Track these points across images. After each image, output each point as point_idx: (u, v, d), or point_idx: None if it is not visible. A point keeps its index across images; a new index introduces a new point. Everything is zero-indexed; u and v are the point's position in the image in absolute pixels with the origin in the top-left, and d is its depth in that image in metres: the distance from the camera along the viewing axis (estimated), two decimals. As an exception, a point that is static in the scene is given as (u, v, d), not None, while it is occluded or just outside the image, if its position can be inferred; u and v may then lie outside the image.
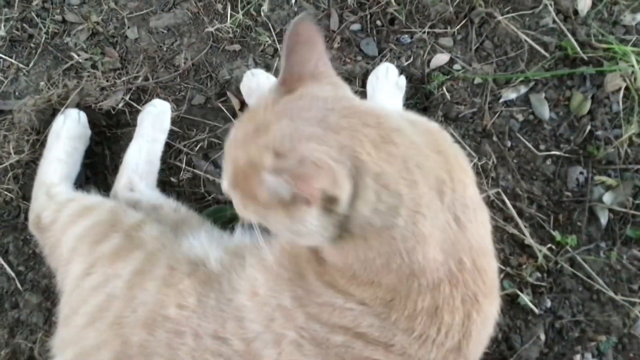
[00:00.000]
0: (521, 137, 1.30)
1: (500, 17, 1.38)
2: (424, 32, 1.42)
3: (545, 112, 1.31)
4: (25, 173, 1.32)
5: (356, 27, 1.46)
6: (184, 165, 1.32)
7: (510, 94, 1.33)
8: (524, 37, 1.36)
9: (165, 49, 1.45)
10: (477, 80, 1.35)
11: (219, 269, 0.91)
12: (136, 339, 0.83)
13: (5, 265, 1.26)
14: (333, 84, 0.81)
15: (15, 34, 1.47)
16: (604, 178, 1.24)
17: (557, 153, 1.28)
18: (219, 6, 1.48)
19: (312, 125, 0.72)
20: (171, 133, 1.34)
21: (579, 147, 1.28)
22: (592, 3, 1.39)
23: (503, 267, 1.19)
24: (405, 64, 1.40)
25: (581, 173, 1.26)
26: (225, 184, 0.81)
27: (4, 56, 1.45)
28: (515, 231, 1.22)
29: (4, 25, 1.47)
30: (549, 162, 1.28)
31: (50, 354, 0.94)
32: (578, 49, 1.32)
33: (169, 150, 1.34)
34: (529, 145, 1.29)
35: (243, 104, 1.36)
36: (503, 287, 1.17)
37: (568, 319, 1.16)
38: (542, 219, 1.24)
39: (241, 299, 0.84)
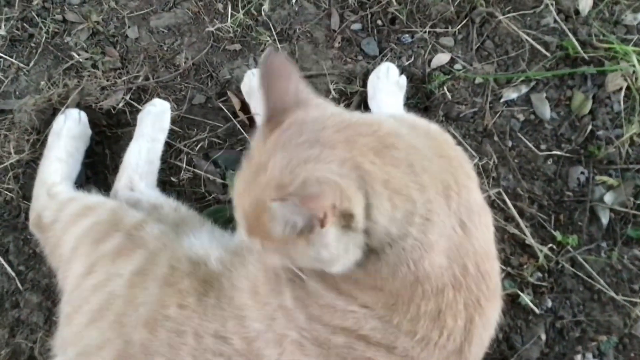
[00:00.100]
0: (522, 137, 1.30)
1: (501, 17, 1.38)
2: (425, 32, 1.42)
3: (546, 111, 1.31)
4: (26, 172, 1.32)
5: (357, 26, 1.46)
6: (184, 165, 1.32)
7: (511, 94, 1.33)
8: (525, 36, 1.36)
9: (165, 49, 1.45)
10: (478, 80, 1.35)
11: (220, 268, 0.91)
12: (138, 338, 0.83)
13: (6, 265, 1.26)
14: (317, 105, 0.80)
15: (16, 34, 1.47)
16: (605, 178, 1.24)
17: (558, 153, 1.28)
18: (220, 6, 1.48)
19: (307, 149, 0.71)
20: (171, 133, 1.34)
21: (580, 146, 1.28)
22: (593, 3, 1.39)
23: (504, 267, 1.19)
24: (406, 63, 1.40)
25: (582, 173, 1.26)
26: (244, 236, 0.79)
27: (4, 56, 1.45)
28: (516, 231, 1.22)
29: (5, 25, 1.47)
30: (550, 161, 1.28)
31: (52, 353, 0.94)
32: (579, 48, 1.32)
33: (170, 150, 1.34)
34: (530, 145, 1.29)
35: (243, 104, 1.36)
36: (504, 287, 1.17)
37: (569, 319, 1.16)
38: (543, 218, 1.24)
39: (242, 297, 0.84)
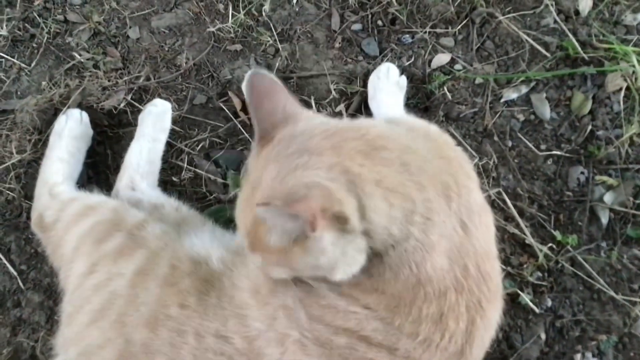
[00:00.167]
0: (522, 137, 1.30)
1: (501, 17, 1.39)
2: (425, 32, 1.43)
3: (546, 112, 1.32)
4: (27, 172, 1.32)
5: (357, 27, 1.46)
6: (185, 165, 1.33)
7: (511, 94, 1.34)
8: (525, 37, 1.37)
9: (166, 49, 1.45)
10: (478, 80, 1.35)
11: (221, 267, 0.91)
12: (139, 338, 0.83)
13: (8, 264, 1.26)
14: (306, 118, 0.82)
15: (17, 34, 1.47)
16: (604, 178, 1.24)
17: (558, 153, 1.28)
18: (221, 6, 1.48)
19: (296, 158, 0.72)
20: (173, 133, 1.34)
21: (580, 147, 1.28)
22: (593, 3, 1.40)
23: (504, 267, 1.19)
24: (407, 63, 1.40)
25: (582, 173, 1.27)
26: (248, 254, 0.81)
27: (6, 56, 1.45)
28: (516, 231, 1.22)
29: (6, 25, 1.47)
30: (549, 161, 1.28)
31: (53, 353, 0.95)
32: (579, 49, 1.32)
33: (171, 150, 1.34)
34: (530, 145, 1.29)
35: (244, 104, 1.36)
36: (504, 287, 1.17)
37: (569, 318, 1.17)
38: (543, 218, 1.24)
39: (243, 296, 0.84)
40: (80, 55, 1.43)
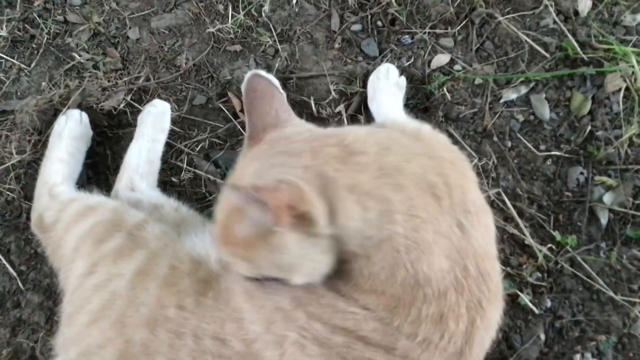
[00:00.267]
0: (521, 138, 1.30)
1: (500, 18, 1.39)
2: (425, 33, 1.43)
3: (545, 112, 1.32)
4: (27, 173, 1.32)
5: (357, 27, 1.46)
6: (185, 166, 1.33)
7: (510, 95, 1.34)
8: (524, 37, 1.37)
9: (166, 50, 1.45)
10: (478, 81, 1.35)
11: (219, 268, 0.91)
12: (139, 338, 0.83)
13: (7, 265, 1.26)
14: (294, 124, 0.86)
15: (17, 35, 1.47)
16: (604, 178, 1.24)
17: (558, 153, 1.28)
18: (220, 7, 1.48)
19: (276, 158, 0.77)
20: (172, 133, 1.35)
21: (579, 147, 1.29)
22: (592, 4, 1.40)
23: (503, 267, 1.20)
24: (406, 64, 1.40)
25: (581, 173, 1.27)
26: (218, 247, 0.83)
27: (5, 57, 1.45)
28: (515, 231, 1.22)
29: (6, 26, 1.47)
30: (549, 162, 1.28)
31: (53, 353, 0.95)
32: (578, 49, 1.32)
33: (170, 151, 1.34)
34: (530, 145, 1.29)
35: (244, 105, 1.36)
36: (504, 287, 1.17)
37: (568, 319, 1.17)
38: (543, 219, 1.24)
39: (238, 300, 0.84)
40: (80, 55, 1.43)
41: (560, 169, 1.28)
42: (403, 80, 1.34)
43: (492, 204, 1.25)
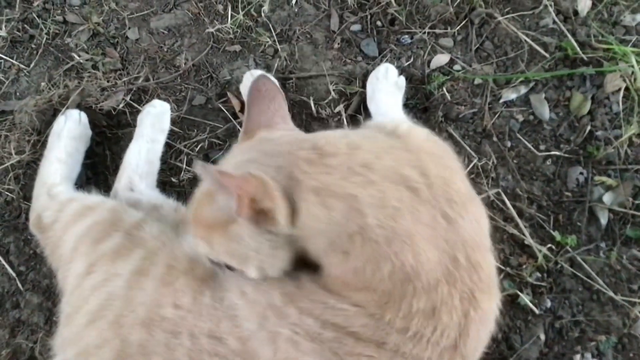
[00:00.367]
0: (521, 138, 1.30)
1: (500, 18, 1.39)
2: (424, 33, 1.43)
3: (545, 112, 1.32)
4: (26, 173, 1.32)
5: (356, 27, 1.46)
6: (184, 166, 1.33)
7: (510, 95, 1.34)
8: (524, 37, 1.37)
9: (165, 50, 1.45)
10: (477, 81, 1.35)
11: (214, 267, 0.92)
12: (135, 339, 0.83)
13: (6, 266, 1.26)
14: (284, 129, 0.91)
15: (16, 35, 1.47)
16: (603, 178, 1.24)
17: (557, 153, 1.28)
18: (220, 7, 1.48)
19: (256, 155, 0.81)
20: (172, 133, 1.34)
21: (579, 147, 1.28)
22: (592, 3, 1.40)
23: (503, 267, 1.19)
24: (406, 64, 1.40)
25: (581, 173, 1.26)
26: (188, 224, 0.89)
27: (5, 57, 1.45)
28: (515, 231, 1.22)
29: (5, 26, 1.47)
30: (549, 162, 1.28)
31: (52, 353, 0.94)
32: (578, 49, 1.32)
33: (170, 151, 1.34)
34: (529, 145, 1.29)
35: (243, 105, 1.36)
36: (503, 288, 1.17)
37: (568, 319, 1.17)
38: (542, 219, 1.24)
39: (232, 297, 0.84)
40: (79, 56, 1.43)
41: (560, 169, 1.28)
42: (402, 80, 1.34)
43: (491, 204, 1.25)
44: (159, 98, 1.37)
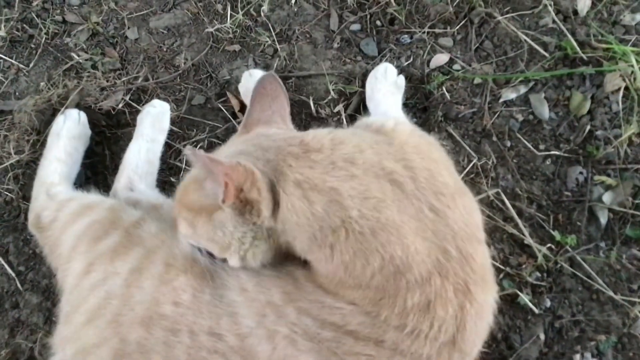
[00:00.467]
0: (521, 137, 1.30)
1: (499, 17, 1.39)
2: (424, 32, 1.42)
3: (544, 112, 1.31)
4: (26, 173, 1.32)
5: (356, 27, 1.46)
6: (184, 166, 1.33)
7: (509, 94, 1.34)
8: (523, 37, 1.36)
9: (165, 49, 1.45)
10: (477, 80, 1.35)
11: (213, 264, 0.91)
12: (134, 337, 0.83)
13: (6, 266, 1.26)
14: (282, 128, 0.93)
15: (16, 35, 1.47)
16: (603, 178, 1.24)
17: (557, 153, 1.28)
18: (219, 6, 1.48)
19: (249, 148, 0.83)
20: (171, 133, 1.34)
21: (579, 147, 1.28)
22: (591, 3, 1.40)
23: (502, 267, 1.19)
24: (405, 64, 1.40)
25: (581, 173, 1.26)
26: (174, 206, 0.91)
27: (4, 57, 1.45)
28: (514, 231, 1.22)
29: (5, 26, 1.47)
30: (548, 162, 1.28)
31: (51, 352, 0.94)
32: (577, 49, 1.32)
33: (169, 151, 1.34)
34: (529, 145, 1.29)
35: (243, 105, 1.36)
36: (503, 287, 1.17)
37: (568, 319, 1.16)
38: (542, 218, 1.24)
39: (231, 294, 0.84)
40: (78, 55, 1.43)
41: (560, 169, 1.27)
42: (402, 80, 1.34)
43: (491, 203, 1.25)
44: (159, 98, 1.37)
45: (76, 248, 0.98)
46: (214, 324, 0.82)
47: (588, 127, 1.28)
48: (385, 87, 1.31)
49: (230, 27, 1.45)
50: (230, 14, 1.46)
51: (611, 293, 1.16)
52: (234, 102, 1.37)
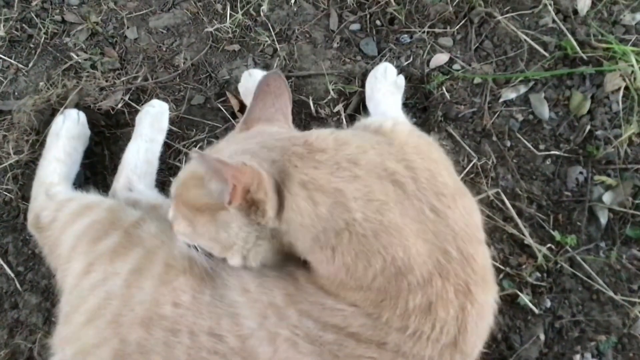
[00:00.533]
0: (521, 137, 1.30)
1: (499, 17, 1.39)
2: (424, 32, 1.42)
3: (544, 111, 1.31)
4: (25, 173, 1.32)
5: (356, 26, 1.46)
6: (183, 166, 1.32)
7: (509, 94, 1.33)
8: (523, 36, 1.36)
9: (164, 49, 1.45)
10: (477, 80, 1.35)
11: (213, 265, 0.91)
12: (134, 338, 0.83)
13: (5, 266, 1.26)
14: (283, 126, 0.92)
15: (15, 34, 1.47)
16: (603, 178, 1.24)
17: (557, 153, 1.28)
18: (219, 6, 1.48)
19: (252, 147, 0.81)
20: (170, 133, 1.34)
21: (579, 146, 1.28)
22: (591, 3, 1.39)
23: (502, 267, 1.19)
24: (405, 63, 1.40)
25: (581, 173, 1.26)
26: (171, 202, 0.89)
27: (3, 56, 1.45)
28: (514, 231, 1.22)
29: (4, 26, 1.47)
30: (548, 161, 1.28)
31: (50, 352, 0.94)
32: (577, 48, 1.32)
33: (169, 151, 1.34)
34: (529, 145, 1.29)
35: (242, 105, 1.36)
36: (503, 287, 1.17)
37: (568, 319, 1.16)
38: (542, 218, 1.24)
39: (233, 295, 0.84)
40: (77, 55, 1.43)
41: (560, 169, 1.27)
42: (401, 80, 1.34)
43: (491, 203, 1.24)
44: (158, 98, 1.37)
45: (76, 248, 0.98)
46: (214, 325, 0.81)
47: (588, 127, 1.28)
48: (385, 86, 1.31)
49: (230, 27, 1.44)
50: (230, 14, 1.46)
51: (611, 293, 1.15)
52: (234, 102, 1.37)
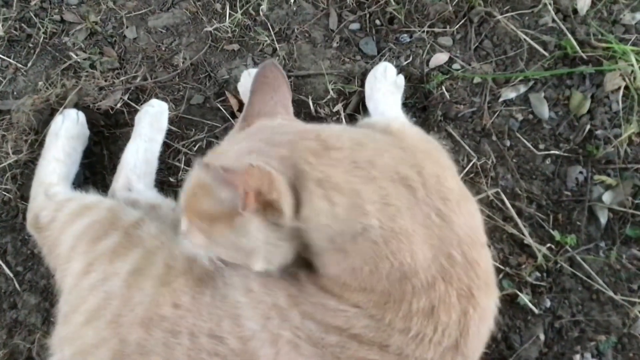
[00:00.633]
0: (520, 137, 1.30)
1: (499, 16, 1.38)
2: (423, 32, 1.42)
3: (544, 111, 1.31)
4: (24, 173, 1.32)
5: (355, 26, 1.46)
6: (182, 165, 1.32)
7: (509, 94, 1.33)
8: (523, 36, 1.36)
9: (163, 49, 1.44)
10: (477, 80, 1.35)
11: (214, 265, 0.91)
12: (134, 338, 0.82)
13: (4, 266, 1.25)
14: (286, 118, 0.89)
15: (14, 34, 1.47)
16: (603, 177, 1.24)
17: (557, 152, 1.28)
18: (218, 5, 1.48)
19: (257, 145, 0.78)
20: (170, 133, 1.34)
21: (579, 146, 1.28)
22: (591, 2, 1.39)
23: (502, 267, 1.19)
24: (405, 63, 1.40)
25: (580, 172, 1.26)
26: (181, 214, 0.85)
27: (2, 56, 1.45)
28: (514, 231, 1.21)
29: (2, 25, 1.47)
30: (548, 161, 1.28)
31: (49, 352, 0.94)
32: (577, 48, 1.32)
33: (168, 150, 1.34)
34: (528, 144, 1.29)
35: (241, 104, 1.36)
36: (502, 287, 1.17)
37: (567, 319, 1.16)
38: (542, 218, 1.24)
39: (235, 294, 0.84)
40: (76, 55, 1.43)
41: (560, 168, 1.27)
42: (401, 79, 1.33)
43: (491, 203, 1.24)
44: (157, 97, 1.37)
45: (75, 248, 0.98)
46: (214, 326, 0.81)
47: (588, 127, 1.28)
48: (385, 86, 1.31)
49: (229, 27, 1.44)
50: (229, 13, 1.46)
51: (611, 293, 1.15)
52: (233, 102, 1.36)
